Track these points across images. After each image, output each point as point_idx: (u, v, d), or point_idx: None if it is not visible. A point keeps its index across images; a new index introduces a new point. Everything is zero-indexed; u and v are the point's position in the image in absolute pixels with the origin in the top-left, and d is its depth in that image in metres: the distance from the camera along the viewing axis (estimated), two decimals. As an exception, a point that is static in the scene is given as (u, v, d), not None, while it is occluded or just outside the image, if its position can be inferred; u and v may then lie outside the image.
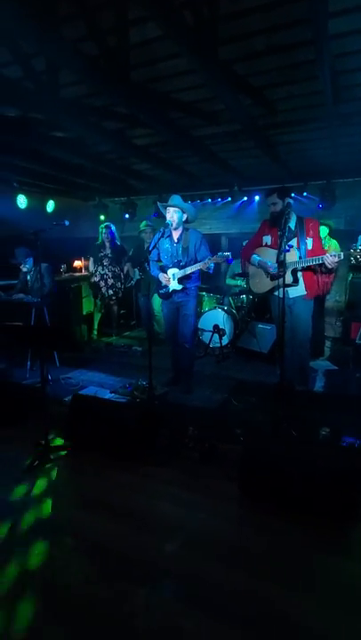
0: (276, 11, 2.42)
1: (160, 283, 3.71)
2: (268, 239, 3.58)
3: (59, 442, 2.87)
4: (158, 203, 3.68)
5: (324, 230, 4.75)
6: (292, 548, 1.92)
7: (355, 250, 3.14)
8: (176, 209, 3.48)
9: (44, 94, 3.08)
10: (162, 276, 3.67)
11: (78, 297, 5.69)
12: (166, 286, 3.66)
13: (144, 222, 5.71)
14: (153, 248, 3.60)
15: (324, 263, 3.09)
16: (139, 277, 5.70)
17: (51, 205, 6.45)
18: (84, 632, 1.50)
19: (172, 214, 3.49)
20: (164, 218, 3.61)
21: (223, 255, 3.42)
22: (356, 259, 3.06)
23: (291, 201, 3.27)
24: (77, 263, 7.05)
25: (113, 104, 3.54)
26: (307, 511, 2.11)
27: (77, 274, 6.68)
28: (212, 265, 3.48)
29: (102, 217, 7.13)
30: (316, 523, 2.06)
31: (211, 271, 3.61)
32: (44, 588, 1.70)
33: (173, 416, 3.10)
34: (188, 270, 3.51)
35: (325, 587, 1.71)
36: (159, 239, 3.59)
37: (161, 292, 3.73)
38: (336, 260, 3.02)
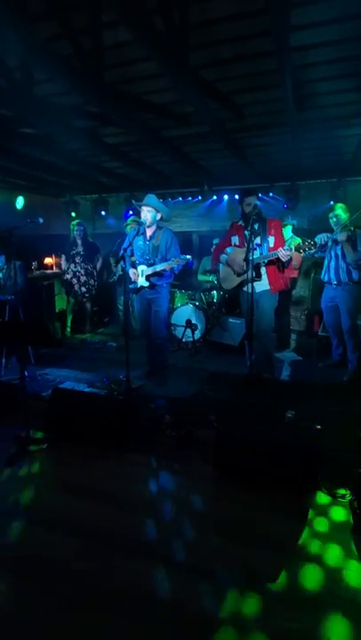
0: (241, 22, 2.60)
1: (130, 278, 3.84)
2: (235, 239, 3.81)
3: (39, 435, 2.93)
4: (134, 201, 3.79)
5: (288, 230, 5.02)
6: (259, 516, 2.13)
7: (304, 241, 3.39)
8: (150, 208, 3.61)
9: (16, 91, 3.11)
10: (131, 272, 3.81)
11: (51, 294, 5.69)
12: (135, 282, 3.79)
13: (131, 217, 5.79)
14: (129, 245, 3.72)
15: (279, 257, 3.37)
16: (121, 273, 5.75)
17: (20, 202, 6.38)
18: (73, 603, 1.62)
19: (146, 213, 3.62)
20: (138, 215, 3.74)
21: (185, 258, 3.61)
22: (303, 250, 3.34)
23: (258, 203, 3.49)
24: (48, 260, 6.98)
25: (85, 103, 3.60)
26: (273, 485, 2.32)
27: (49, 271, 6.62)
28: (177, 266, 3.64)
29: (73, 214, 7.10)
30: (282, 494, 2.27)
31: (175, 271, 3.78)
32: (30, 563, 1.80)
33: (151, 406, 3.23)
34: (157, 268, 3.66)
35: (288, 547, 1.92)
36: (134, 236, 3.72)
37: (130, 286, 3.86)
38: (287, 253, 3.34)
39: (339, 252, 4.03)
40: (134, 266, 3.82)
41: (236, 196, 6.25)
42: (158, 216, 3.68)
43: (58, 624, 1.52)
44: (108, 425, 2.79)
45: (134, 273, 3.79)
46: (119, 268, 5.76)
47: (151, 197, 3.70)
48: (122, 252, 3.56)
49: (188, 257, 3.64)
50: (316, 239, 3.97)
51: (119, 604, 1.60)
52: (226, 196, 6.39)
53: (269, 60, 2.91)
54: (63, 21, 2.56)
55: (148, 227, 3.70)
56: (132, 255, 3.84)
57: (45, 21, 2.56)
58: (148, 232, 3.75)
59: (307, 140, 4.41)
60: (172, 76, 2.83)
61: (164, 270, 3.65)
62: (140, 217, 3.78)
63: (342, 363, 4.32)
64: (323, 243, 4.06)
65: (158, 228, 3.74)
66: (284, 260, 3.37)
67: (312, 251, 3.42)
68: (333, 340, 4.44)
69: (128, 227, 5.71)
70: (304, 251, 3.34)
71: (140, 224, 3.68)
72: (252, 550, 1.89)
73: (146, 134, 4.13)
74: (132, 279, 3.80)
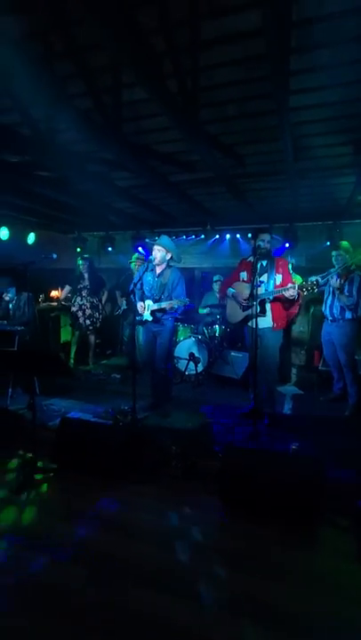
0: (246, 85, 2.94)
1: (137, 310, 4.02)
2: (244, 275, 3.97)
3: (46, 464, 2.96)
4: (148, 240, 4.04)
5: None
6: (264, 547, 2.15)
7: (306, 283, 3.52)
8: (160, 247, 3.85)
9: (38, 140, 3.40)
10: (139, 305, 3.99)
11: (57, 326, 5.82)
12: (141, 314, 3.97)
13: (135, 254, 6.07)
14: (138, 280, 3.92)
15: (284, 295, 3.50)
16: (125, 307, 5.93)
17: (31, 237, 6.67)
18: (87, 630, 1.62)
19: (156, 252, 3.85)
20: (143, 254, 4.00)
21: (184, 301, 3.80)
22: (307, 290, 3.45)
23: (260, 243, 3.70)
24: (55, 293, 7.20)
25: (99, 150, 3.91)
26: (278, 515, 2.35)
27: (55, 303, 6.82)
28: (177, 306, 3.81)
29: (78, 249, 7.38)
30: (286, 525, 2.30)
31: (176, 314, 3.98)
32: (44, 592, 1.80)
33: (156, 437, 3.27)
34: (162, 305, 3.84)
35: (291, 575, 1.95)
36: (144, 272, 3.93)
37: (137, 318, 4.03)
38: (293, 291, 3.42)
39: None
40: (143, 299, 4.00)
41: (238, 236, 6.62)
42: (168, 256, 3.91)
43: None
44: (114, 455, 2.83)
45: (141, 306, 3.96)
46: (124, 301, 5.95)
47: (164, 238, 3.95)
48: (132, 286, 3.74)
49: (187, 300, 3.84)
50: (313, 278, 4.18)
51: (126, 630, 1.60)
52: (228, 236, 6.71)
53: (269, 118, 3.24)
54: (88, 81, 2.88)
55: (158, 264, 3.92)
56: (142, 289, 4.04)
57: (71, 80, 2.89)
58: (158, 269, 3.96)
59: (304, 186, 4.75)
60: (181, 130, 3.12)
61: (171, 309, 3.83)
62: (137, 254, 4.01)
63: (343, 396, 4.38)
64: (322, 283, 4.24)
65: (168, 266, 3.95)
66: (290, 297, 3.46)
67: (315, 291, 3.51)
68: (334, 373, 4.54)
69: (133, 263, 5.99)
70: (308, 291, 3.44)
71: (146, 262, 3.89)
72: (256, 580, 1.91)
73: (154, 178, 4.44)
74: (140, 312, 3.97)
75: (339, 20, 2.25)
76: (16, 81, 2.66)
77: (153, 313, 3.90)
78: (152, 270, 3.98)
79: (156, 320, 3.93)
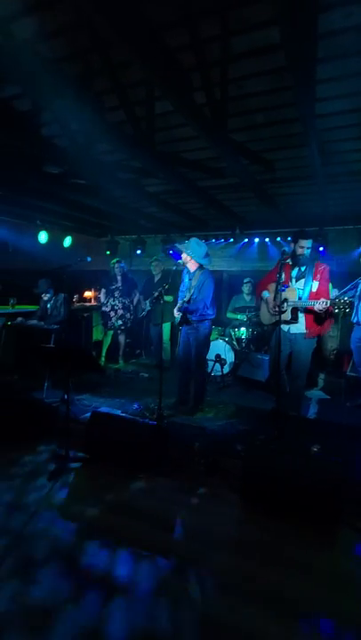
0: (272, 95, 3.02)
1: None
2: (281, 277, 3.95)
3: (77, 454, 3.15)
4: (177, 244, 4.19)
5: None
6: (285, 542, 2.22)
7: (339, 300, 3.36)
8: (185, 256, 4.01)
9: (75, 151, 3.64)
10: (176, 307, 4.15)
11: (89, 325, 6.09)
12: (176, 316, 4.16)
13: (154, 257, 6.28)
14: (182, 282, 4.19)
15: (314, 307, 3.40)
16: (150, 308, 6.12)
17: (68, 241, 7.00)
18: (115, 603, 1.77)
19: (185, 256, 4.01)
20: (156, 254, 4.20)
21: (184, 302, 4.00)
22: (339, 307, 3.33)
23: (286, 248, 3.71)
24: (88, 294, 7.51)
25: (130, 159, 4.10)
26: (298, 515, 2.40)
27: (88, 304, 7.12)
28: (185, 307, 3.97)
29: (108, 252, 7.64)
30: (306, 524, 2.35)
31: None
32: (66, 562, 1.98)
33: (180, 434, 3.40)
34: (175, 310, 4.05)
35: (315, 572, 2.00)
36: (183, 274, 4.18)
37: (176, 320, 4.23)
38: (323, 307, 3.35)
39: None
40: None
41: (267, 240, 6.63)
42: (193, 261, 4.04)
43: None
44: (139, 449, 2.98)
45: (178, 307, 4.12)
46: (147, 303, 6.15)
47: (193, 242, 4.05)
48: (160, 289, 3.95)
49: (185, 301, 4.01)
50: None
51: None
52: (257, 240, 6.74)
53: (296, 125, 3.30)
54: (121, 95, 3.07)
55: (190, 265, 4.07)
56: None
57: (106, 95, 3.09)
58: (192, 270, 4.11)
59: (333, 190, 4.73)
60: (208, 138, 3.23)
61: (193, 306, 3.96)
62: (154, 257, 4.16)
63: (371, 403, 4.33)
64: (356, 287, 4.20)
65: (200, 268, 4.08)
66: (318, 311, 3.39)
67: (347, 309, 3.35)
68: (363, 379, 4.48)
69: (152, 265, 6.23)
70: (339, 309, 3.33)
71: (162, 264, 4.05)
72: (280, 574, 1.98)
73: (183, 184, 4.58)
74: (175, 314, 4.15)
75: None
76: (57, 97, 2.88)
77: (184, 314, 4.04)
78: (187, 273, 4.16)
79: (187, 322, 4.07)
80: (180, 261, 4.05)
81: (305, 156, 3.79)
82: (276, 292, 3.45)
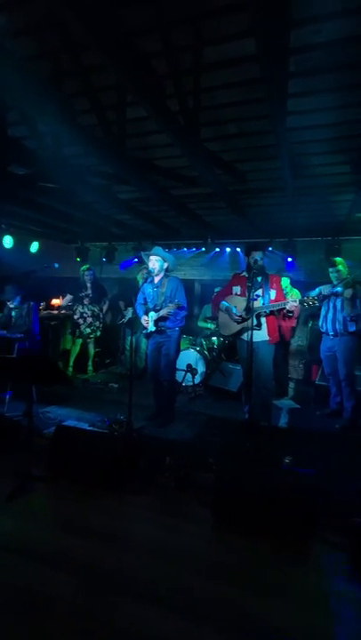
0: (245, 106, 3.04)
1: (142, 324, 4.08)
2: (237, 289, 4.07)
3: (40, 472, 2.97)
4: (142, 252, 4.11)
5: (286, 281, 5.31)
6: (258, 562, 2.15)
7: (308, 297, 3.67)
8: (158, 257, 3.91)
9: (44, 153, 3.50)
10: (143, 319, 4.04)
11: (57, 334, 5.87)
12: (146, 328, 4.02)
13: (143, 266, 6.14)
14: (139, 292, 4.00)
15: (285, 307, 3.61)
16: (132, 317, 5.97)
17: (35, 246, 6.77)
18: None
19: (154, 262, 3.92)
20: (145, 263, 4.08)
21: (177, 303, 3.84)
22: (308, 304, 3.60)
23: (257, 258, 3.79)
24: (56, 301, 7.27)
25: (102, 164, 4.00)
26: (271, 530, 2.35)
27: (55, 312, 6.88)
28: (173, 311, 3.85)
29: (78, 259, 7.46)
30: (279, 539, 2.30)
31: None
32: (31, 603, 1.81)
33: (151, 447, 3.29)
34: (161, 313, 3.89)
35: (287, 590, 1.94)
36: (143, 284, 4.00)
37: (144, 332, 4.08)
38: (296, 304, 3.56)
39: (338, 305, 4.24)
40: (147, 313, 4.05)
41: (238, 249, 6.71)
42: (165, 265, 3.98)
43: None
44: (107, 464, 2.85)
45: (145, 320, 4.02)
46: (130, 311, 6.00)
47: (158, 248, 4.04)
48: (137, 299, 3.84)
49: (180, 302, 3.86)
50: (317, 290, 4.28)
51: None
52: (228, 249, 6.80)
53: (268, 137, 3.33)
54: (92, 99, 2.99)
55: (157, 275, 3.98)
56: (145, 303, 4.10)
57: (77, 98, 2.99)
58: (156, 280, 4.03)
59: (302, 202, 4.84)
60: (182, 146, 3.20)
61: (168, 314, 3.86)
62: (143, 265, 4.09)
63: (340, 411, 4.39)
64: (326, 294, 4.32)
65: (165, 276, 4.02)
66: (292, 310, 3.59)
67: (316, 304, 3.66)
68: (332, 388, 4.55)
69: (139, 275, 6.08)
70: (308, 305, 3.58)
71: (149, 273, 3.96)
72: (249, 594, 1.91)
73: (155, 192, 4.52)
74: (145, 325, 4.03)
75: (334, 48, 2.35)
76: (25, 97, 2.76)
77: (156, 323, 3.94)
78: (151, 282, 4.04)
79: (161, 331, 3.97)
80: (150, 269, 3.96)
81: (276, 169, 3.84)
82: (248, 300, 3.46)
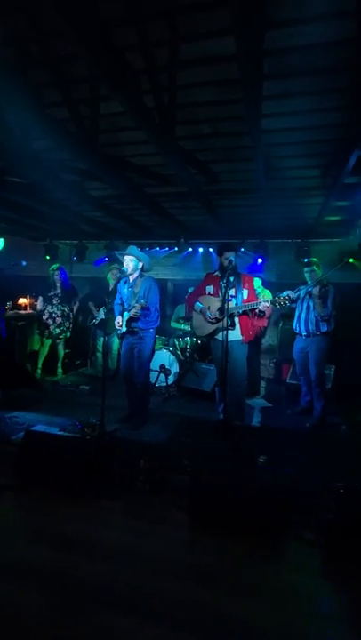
0: (221, 107, 3.03)
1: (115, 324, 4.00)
2: (210, 289, 4.07)
3: (8, 480, 2.82)
4: (116, 252, 4.03)
5: (258, 281, 5.38)
6: (234, 562, 2.14)
7: (279, 297, 3.71)
8: (132, 257, 3.84)
9: (12, 145, 3.34)
10: (117, 320, 3.95)
11: (24, 335, 5.64)
12: (119, 329, 3.95)
13: (113, 265, 6.00)
14: (117, 292, 3.96)
15: (258, 307, 3.64)
16: (103, 317, 5.81)
17: (0, 243, 6.47)
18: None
19: (128, 262, 3.85)
20: (115, 262, 4.01)
21: (142, 303, 3.74)
22: (280, 304, 3.65)
23: (231, 258, 3.80)
24: (23, 301, 6.99)
25: (73, 159, 3.88)
26: (248, 530, 2.35)
27: (23, 312, 6.62)
28: (142, 312, 3.75)
29: (48, 257, 7.23)
30: (254, 539, 2.30)
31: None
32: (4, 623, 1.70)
33: (124, 451, 3.21)
34: (130, 314, 3.83)
35: (262, 590, 1.94)
36: (116, 284, 3.92)
37: (118, 332, 4.00)
38: (268, 305, 3.60)
39: (311, 305, 4.33)
40: (122, 313, 3.97)
41: (211, 249, 6.73)
42: (140, 264, 3.91)
43: None
44: (80, 470, 2.75)
45: (118, 321, 3.94)
46: (102, 311, 5.86)
47: (133, 248, 3.97)
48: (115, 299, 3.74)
49: (143, 301, 3.74)
50: (293, 292, 4.36)
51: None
52: (200, 249, 6.80)
53: (242, 138, 3.34)
54: (64, 91, 2.87)
55: (131, 274, 3.90)
56: (122, 303, 4.02)
57: (47, 89, 2.86)
58: (131, 279, 3.96)
59: (274, 205, 4.91)
60: (157, 144, 3.15)
61: (136, 315, 3.78)
62: (120, 265, 4.01)
63: (310, 410, 4.49)
64: (300, 295, 4.41)
65: (140, 276, 3.95)
66: (264, 310, 3.62)
67: (288, 305, 3.71)
68: (303, 387, 4.64)
69: (109, 274, 5.95)
70: (280, 305, 3.61)
71: (121, 272, 3.88)
72: (225, 596, 1.89)
73: (129, 190, 4.44)
74: (117, 327, 3.95)
75: (308, 52, 2.38)
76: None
77: (128, 323, 3.86)
78: (126, 282, 3.98)
79: (133, 332, 3.89)
80: (123, 269, 3.89)
81: (250, 170, 3.87)
82: (224, 301, 3.46)
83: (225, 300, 3.41)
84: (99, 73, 2.34)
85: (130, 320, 3.85)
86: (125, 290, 3.97)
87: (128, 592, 1.89)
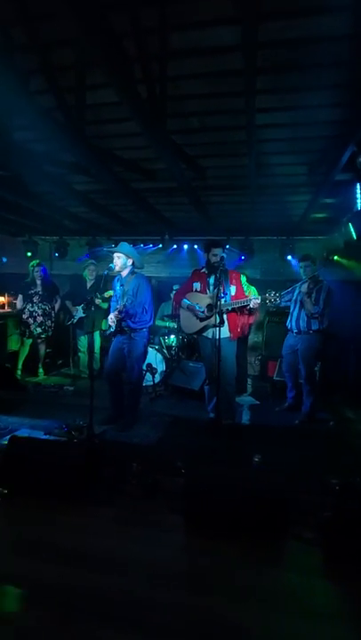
0: (212, 100, 2.96)
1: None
2: (197, 285, 4.00)
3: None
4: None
5: (243, 278, 5.36)
6: (231, 565, 2.09)
7: (269, 295, 3.63)
8: (119, 254, 3.73)
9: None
10: (109, 317, 3.84)
11: (2, 335, 5.43)
12: (111, 326, 3.85)
13: (89, 261, 5.84)
14: (96, 289, 3.81)
15: (249, 305, 3.59)
16: (82, 315, 5.65)
17: (-23, 239, 6.20)
18: None
19: (116, 259, 3.73)
20: (91, 258, 3.90)
21: (120, 308, 3.70)
22: (270, 301, 3.61)
23: (224, 254, 3.75)
24: (1, 299, 6.74)
25: (58, 151, 3.72)
26: (243, 531, 2.30)
27: (1, 310, 6.37)
28: (125, 310, 3.68)
29: (29, 254, 6.99)
30: (252, 541, 2.26)
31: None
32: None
33: (114, 453, 3.12)
34: (109, 320, 3.77)
35: (260, 593, 1.90)
36: (114, 282, 3.89)
37: (107, 331, 3.91)
38: (259, 302, 3.56)
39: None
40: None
41: (196, 246, 6.67)
42: (129, 262, 3.80)
43: None
44: (68, 475, 2.64)
45: (110, 319, 3.82)
46: (80, 310, 5.69)
47: (123, 244, 3.84)
48: (92, 295, 3.62)
49: (121, 305, 3.71)
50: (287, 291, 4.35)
51: None
52: (185, 246, 6.73)
53: (235, 133, 3.29)
54: (50, 78, 2.73)
55: (120, 272, 3.80)
56: (117, 300, 3.90)
57: (34, 76, 2.71)
58: (122, 277, 3.86)
59: (261, 202, 4.90)
60: (149, 137, 3.04)
61: (117, 317, 3.71)
62: (97, 261, 3.89)
63: (296, 405, 4.50)
64: (295, 292, 4.40)
65: (131, 273, 3.84)
66: (254, 307, 3.57)
67: (277, 302, 3.64)
68: (288, 382, 4.65)
69: (86, 270, 5.78)
70: (271, 302, 3.57)
71: (108, 268, 3.76)
72: (221, 600, 1.85)
73: (115, 185, 4.31)
74: (109, 324, 3.84)
75: (302, 46, 2.34)
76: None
77: (119, 323, 3.75)
78: (118, 280, 3.89)
79: (123, 331, 3.78)
80: (111, 266, 3.77)
81: (239, 166, 3.83)
82: (217, 297, 3.40)
83: (218, 297, 3.34)
84: (96, 59, 2.22)
85: (120, 320, 3.75)
86: (118, 288, 3.86)
87: (125, 604, 1.79)
